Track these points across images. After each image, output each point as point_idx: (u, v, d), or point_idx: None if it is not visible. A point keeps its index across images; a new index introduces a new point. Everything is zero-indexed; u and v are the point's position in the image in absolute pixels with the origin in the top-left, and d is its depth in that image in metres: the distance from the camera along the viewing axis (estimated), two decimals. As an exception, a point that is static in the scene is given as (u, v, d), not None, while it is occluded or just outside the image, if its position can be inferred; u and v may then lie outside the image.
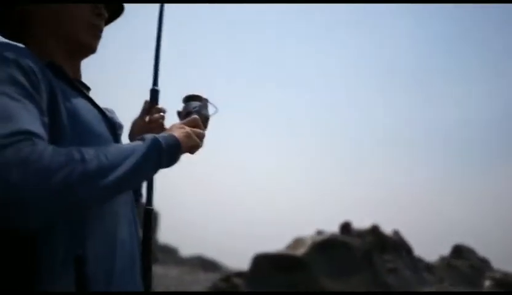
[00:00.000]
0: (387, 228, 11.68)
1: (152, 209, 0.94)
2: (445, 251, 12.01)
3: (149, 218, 0.92)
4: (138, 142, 0.73)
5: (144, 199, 0.98)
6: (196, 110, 0.94)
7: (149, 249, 0.87)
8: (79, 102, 0.74)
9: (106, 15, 0.86)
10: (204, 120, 0.93)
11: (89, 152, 0.63)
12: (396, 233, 11.48)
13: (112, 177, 0.63)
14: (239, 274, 9.49)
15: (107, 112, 0.83)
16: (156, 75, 1.02)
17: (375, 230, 11.25)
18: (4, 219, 0.56)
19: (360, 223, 11.48)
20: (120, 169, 0.65)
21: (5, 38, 0.84)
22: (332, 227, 10.91)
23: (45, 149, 0.59)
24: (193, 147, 0.84)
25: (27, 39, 0.80)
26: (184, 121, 0.87)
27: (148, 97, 1.04)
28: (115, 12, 0.91)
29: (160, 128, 0.97)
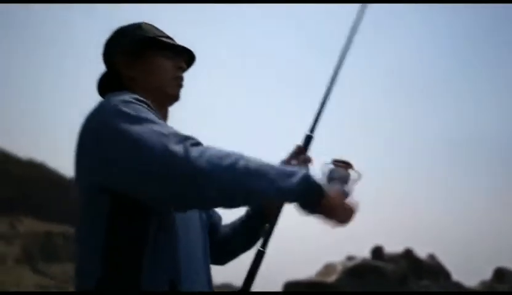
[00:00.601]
0: (421, 253, 11.21)
1: (264, 252, 0.97)
2: (487, 275, 11.40)
3: (259, 259, 0.96)
4: (291, 167, 0.84)
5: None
6: (339, 180, 0.88)
7: (249, 285, 0.94)
8: None
9: (185, 66, 0.99)
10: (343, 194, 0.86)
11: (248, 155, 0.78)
12: (432, 257, 11.01)
13: (263, 180, 0.74)
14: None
15: None
16: (317, 121, 1.05)
17: (408, 254, 10.84)
18: (192, 190, 0.72)
19: (392, 247, 11.09)
20: (270, 176, 0.75)
21: (107, 90, 0.96)
22: (363, 252, 10.59)
23: (210, 146, 0.76)
24: (332, 213, 0.80)
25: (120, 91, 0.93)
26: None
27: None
28: (189, 62, 1.03)
29: None
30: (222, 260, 1.10)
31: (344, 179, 0.89)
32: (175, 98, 0.96)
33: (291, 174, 0.77)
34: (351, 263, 9.85)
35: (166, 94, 0.94)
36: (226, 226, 1.11)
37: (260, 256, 0.96)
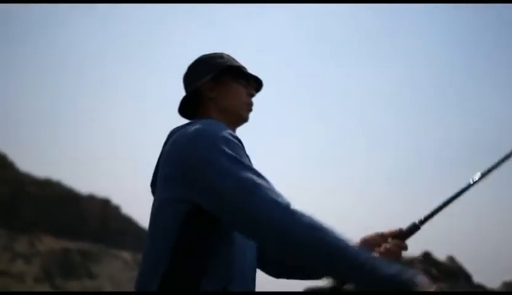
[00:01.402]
0: (440, 255, 11.11)
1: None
2: (509, 275, 11.21)
3: None
4: (398, 266, 0.82)
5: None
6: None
7: None
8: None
9: (255, 93, 1.13)
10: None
11: (336, 231, 0.84)
12: (451, 259, 10.90)
13: (341, 259, 0.81)
14: (290, 310, 9.27)
15: None
16: (432, 216, 0.98)
17: (426, 257, 10.73)
18: (289, 249, 0.83)
19: (410, 250, 10.99)
20: (360, 264, 0.80)
21: (184, 114, 1.11)
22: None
23: (306, 216, 0.84)
24: None
25: (199, 110, 1.08)
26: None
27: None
28: (258, 89, 1.16)
29: (394, 257, 0.97)
30: (276, 275, 1.18)
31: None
32: (244, 120, 1.10)
33: (385, 268, 0.78)
34: (369, 268, 9.76)
35: (239, 116, 1.08)
36: None
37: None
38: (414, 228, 0.99)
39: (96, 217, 38.64)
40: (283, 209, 0.83)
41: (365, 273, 0.79)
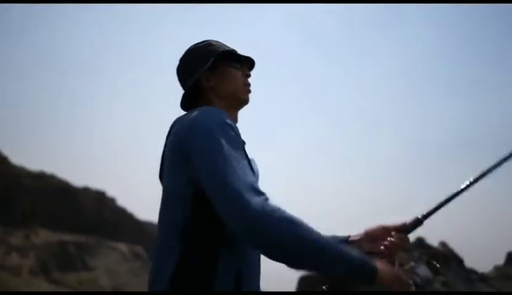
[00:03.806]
0: (433, 241, 11.26)
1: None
2: (500, 259, 11.39)
3: None
4: (351, 249, 0.87)
5: None
6: (422, 280, 0.89)
7: None
8: (247, 155, 1.03)
9: (250, 73, 1.14)
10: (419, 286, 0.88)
11: (309, 226, 0.85)
12: (444, 244, 11.06)
13: (314, 253, 0.83)
14: (286, 297, 9.33)
15: (253, 163, 1.10)
16: (435, 211, 1.01)
17: (421, 243, 10.89)
18: (254, 239, 0.84)
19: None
20: (325, 252, 0.83)
21: (186, 109, 1.10)
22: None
23: (274, 206, 0.86)
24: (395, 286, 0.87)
25: (200, 101, 1.09)
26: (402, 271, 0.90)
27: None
28: (250, 68, 1.16)
29: (387, 254, 0.98)
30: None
31: (426, 280, 0.91)
32: (245, 101, 1.10)
33: (350, 260, 0.83)
34: (363, 255, 9.86)
35: (239, 99, 1.09)
36: None
37: None
38: (417, 222, 1.00)
39: (92, 209, 38.57)
40: (256, 202, 0.83)
41: (342, 265, 0.84)
